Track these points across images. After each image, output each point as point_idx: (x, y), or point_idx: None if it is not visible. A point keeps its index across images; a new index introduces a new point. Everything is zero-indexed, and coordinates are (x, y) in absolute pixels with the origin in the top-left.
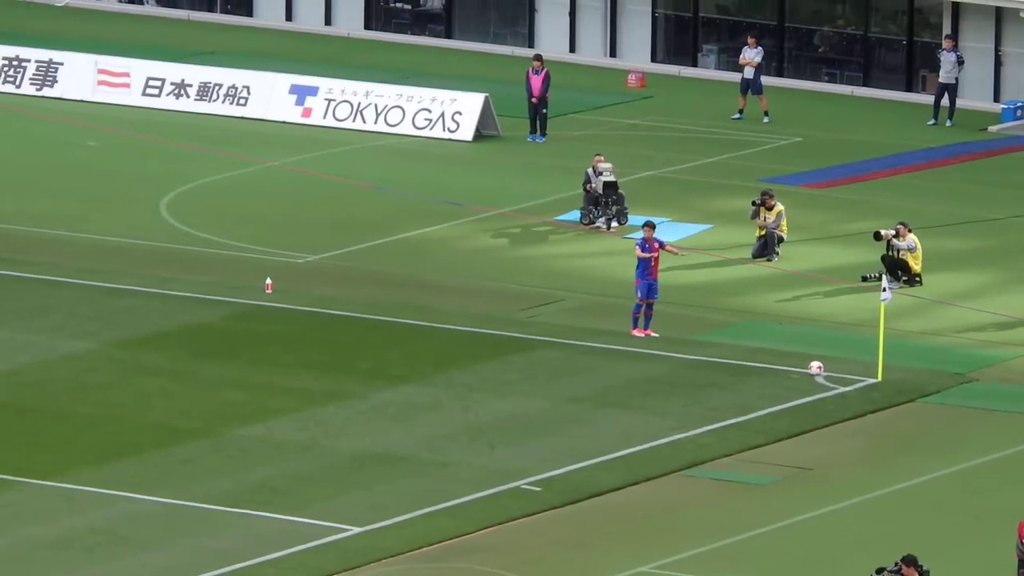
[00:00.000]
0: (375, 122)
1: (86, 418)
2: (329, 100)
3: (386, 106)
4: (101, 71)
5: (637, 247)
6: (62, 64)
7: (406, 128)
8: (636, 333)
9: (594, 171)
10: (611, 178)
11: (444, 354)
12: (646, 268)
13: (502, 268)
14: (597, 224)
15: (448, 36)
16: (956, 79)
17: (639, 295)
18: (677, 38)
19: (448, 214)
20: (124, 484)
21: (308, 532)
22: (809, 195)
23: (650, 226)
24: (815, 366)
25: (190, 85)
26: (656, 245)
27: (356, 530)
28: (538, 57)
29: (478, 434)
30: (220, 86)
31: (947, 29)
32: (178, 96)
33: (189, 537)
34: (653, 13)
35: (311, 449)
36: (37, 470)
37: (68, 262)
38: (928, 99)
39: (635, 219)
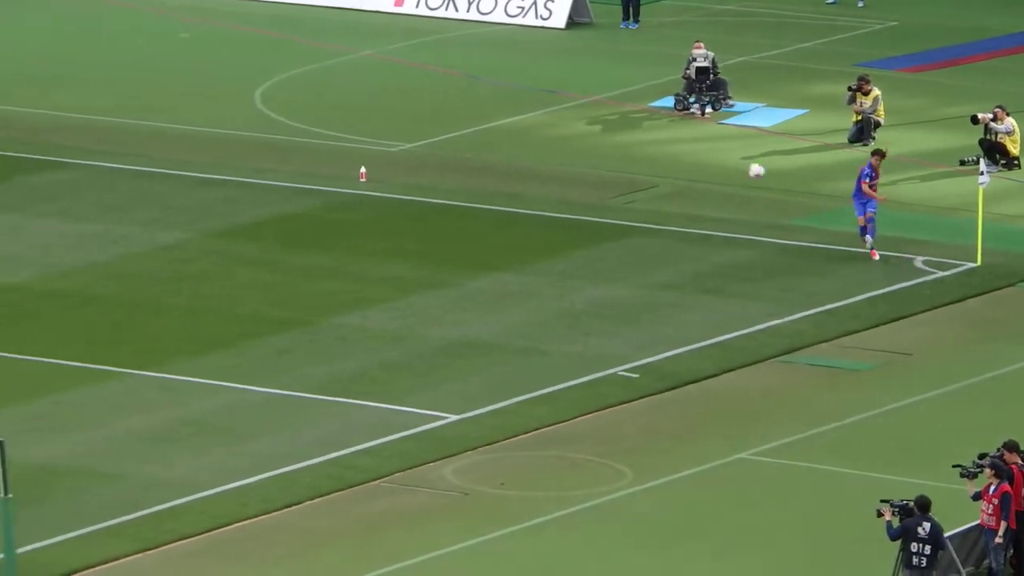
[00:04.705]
0: (467, 10)
1: (183, 309)
2: None
3: None
4: None
5: (865, 177)
6: None
7: (498, 16)
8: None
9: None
10: (704, 64)
11: (538, 242)
12: (861, 189)
13: (596, 155)
14: (691, 110)
15: None
16: None
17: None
18: None
19: (541, 102)
20: (222, 374)
21: (404, 420)
22: (905, 79)
23: (880, 154)
24: (755, 169)
25: None
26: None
27: (452, 418)
28: None
29: (573, 322)
30: None
31: None
32: None
33: (287, 427)
34: None
35: (406, 338)
36: (135, 361)
37: (163, 154)
38: None
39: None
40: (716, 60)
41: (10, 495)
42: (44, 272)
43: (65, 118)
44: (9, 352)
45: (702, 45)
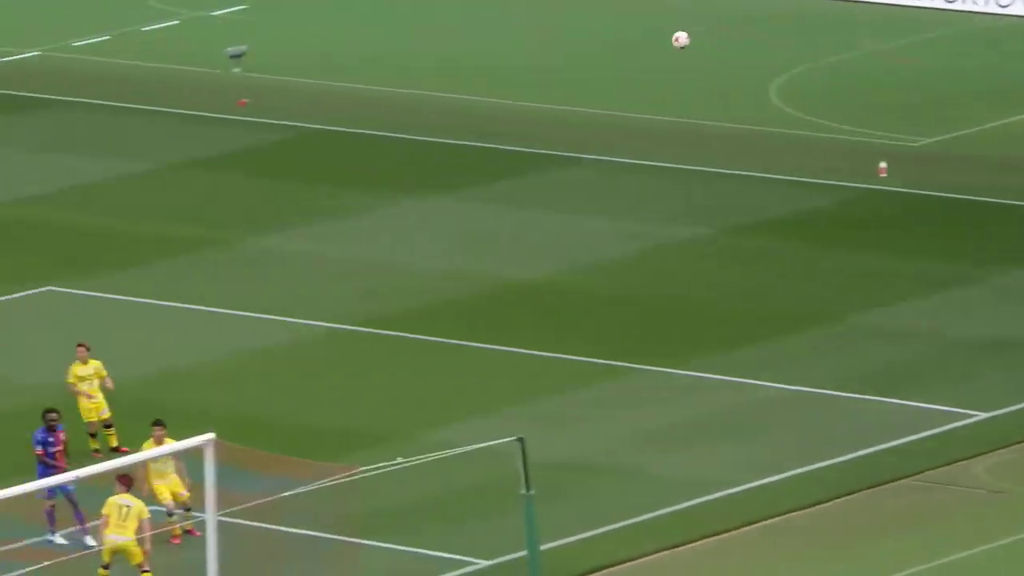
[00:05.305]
0: (986, 3)
1: (705, 305)
2: None
3: None
4: None
5: None
6: None
7: (1018, 9)
8: None
9: None
10: None
11: None
12: None
13: None
14: None
15: None
16: None
17: None
18: None
19: None
20: (746, 372)
21: (932, 418)
22: None
23: None
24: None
25: None
26: None
27: (981, 416)
28: None
29: None
30: None
31: None
32: None
33: (813, 424)
34: None
35: (935, 335)
36: (657, 358)
37: (676, 149)
38: None
39: None
40: None
41: (532, 491)
42: (562, 267)
43: (577, 114)
44: (529, 348)
45: None
